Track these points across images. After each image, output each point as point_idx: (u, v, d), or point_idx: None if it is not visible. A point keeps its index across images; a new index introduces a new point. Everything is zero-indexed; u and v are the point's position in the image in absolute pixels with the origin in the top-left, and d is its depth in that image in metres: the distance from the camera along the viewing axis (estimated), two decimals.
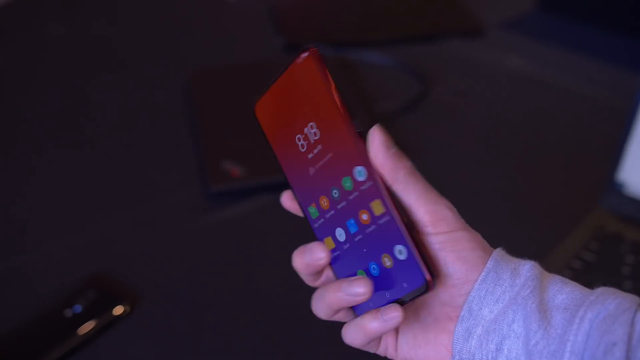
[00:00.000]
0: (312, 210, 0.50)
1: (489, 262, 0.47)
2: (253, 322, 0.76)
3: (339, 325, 0.75)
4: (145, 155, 1.00)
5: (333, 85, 0.47)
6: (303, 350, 0.74)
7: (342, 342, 0.73)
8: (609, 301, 0.44)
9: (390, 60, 1.17)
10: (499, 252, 0.48)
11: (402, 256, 0.46)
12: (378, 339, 0.50)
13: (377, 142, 0.46)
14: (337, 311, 0.49)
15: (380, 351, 0.50)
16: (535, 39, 1.24)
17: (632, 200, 0.85)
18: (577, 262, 0.79)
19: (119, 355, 0.73)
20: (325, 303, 0.48)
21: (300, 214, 0.51)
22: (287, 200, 0.51)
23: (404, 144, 0.97)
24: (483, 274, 0.46)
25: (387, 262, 0.47)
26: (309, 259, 0.48)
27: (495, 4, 1.35)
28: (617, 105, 1.02)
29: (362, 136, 0.47)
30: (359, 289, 0.46)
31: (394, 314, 0.46)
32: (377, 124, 0.47)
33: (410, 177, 0.47)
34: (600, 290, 0.46)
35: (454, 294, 0.47)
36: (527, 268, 0.47)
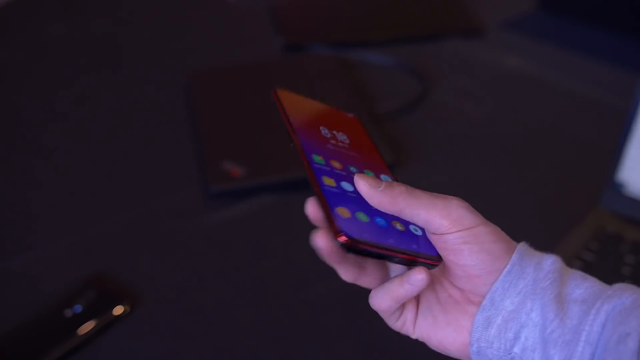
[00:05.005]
0: (318, 159, 0.49)
1: (514, 256, 0.47)
2: (253, 322, 0.76)
3: (340, 324, 0.75)
4: (145, 155, 1.00)
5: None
6: (303, 349, 0.74)
7: (343, 341, 0.73)
8: (625, 295, 0.46)
9: (390, 60, 1.17)
10: (522, 246, 0.49)
11: (418, 233, 0.48)
12: (401, 308, 0.50)
13: (364, 187, 0.47)
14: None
15: (398, 325, 0.50)
16: (535, 39, 1.24)
17: (632, 200, 0.85)
18: (577, 262, 0.79)
19: (119, 355, 0.73)
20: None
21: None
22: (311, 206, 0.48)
23: (404, 144, 0.97)
24: (508, 266, 0.47)
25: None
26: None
27: (495, 4, 1.35)
28: (617, 105, 1.02)
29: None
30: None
31: (420, 276, 0.46)
32: (356, 174, 0.48)
33: (410, 198, 0.47)
34: (618, 285, 0.47)
35: (478, 284, 0.48)
36: (550, 262, 0.48)
